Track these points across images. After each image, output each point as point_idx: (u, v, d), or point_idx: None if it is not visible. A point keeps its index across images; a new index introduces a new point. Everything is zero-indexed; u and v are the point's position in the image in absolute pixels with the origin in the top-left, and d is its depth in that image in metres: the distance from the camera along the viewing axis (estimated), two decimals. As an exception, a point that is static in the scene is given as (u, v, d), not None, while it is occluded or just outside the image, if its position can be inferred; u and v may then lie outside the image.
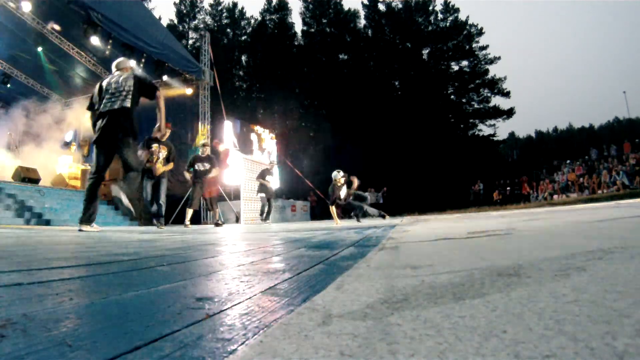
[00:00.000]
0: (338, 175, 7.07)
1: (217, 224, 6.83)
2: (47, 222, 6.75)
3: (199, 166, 6.64)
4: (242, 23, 31.69)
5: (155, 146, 5.62)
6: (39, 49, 9.74)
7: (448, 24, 29.11)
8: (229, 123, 11.54)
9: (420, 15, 29.14)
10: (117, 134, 3.54)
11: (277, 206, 12.63)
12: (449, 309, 0.55)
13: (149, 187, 5.66)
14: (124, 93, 3.61)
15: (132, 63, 5.02)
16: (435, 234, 2.29)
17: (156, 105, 3.80)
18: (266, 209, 8.55)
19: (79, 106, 11.88)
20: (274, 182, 11.63)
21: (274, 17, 30.90)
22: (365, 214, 7.16)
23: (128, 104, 3.59)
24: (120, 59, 4.17)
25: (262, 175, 8.62)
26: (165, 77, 10.88)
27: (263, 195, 8.55)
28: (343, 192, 7.16)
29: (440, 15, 29.42)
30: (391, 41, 28.93)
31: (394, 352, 0.40)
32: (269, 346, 0.44)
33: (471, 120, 28.75)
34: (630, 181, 13.53)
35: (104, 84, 3.75)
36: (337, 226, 5.02)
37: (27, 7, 7.85)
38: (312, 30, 30.43)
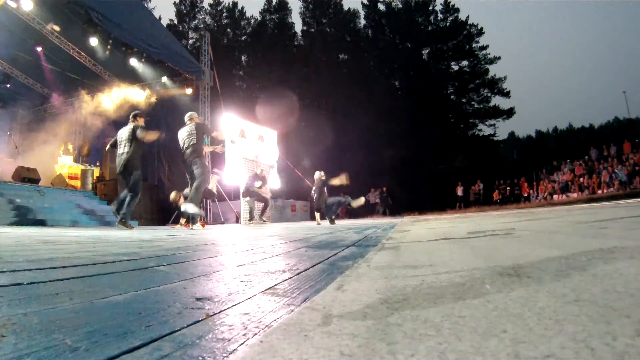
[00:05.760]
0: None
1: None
2: (45, 222, 6.73)
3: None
4: (242, 23, 31.63)
5: None
6: (39, 48, 9.74)
7: (448, 24, 29.07)
8: (228, 122, 11.52)
9: (420, 15, 29.09)
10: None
11: (278, 206, 12.62)
12: (449, 309, 0.55)
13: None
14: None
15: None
16: (435, 234, 2.29)
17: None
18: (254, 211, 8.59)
19: (79, 106, 11.86)
20: (274, 180, 11.72)
21: (274, 17, 30.85)
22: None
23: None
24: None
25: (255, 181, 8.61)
26: (165, 77, 10.88)
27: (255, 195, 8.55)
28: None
29: (440, 15, 29.38)
30: (391, 41, 28.89)
31: (394, 352, 0.40)
32: (269, 346, 0.44)
33: (471, 120, 28.71)
34: (629, 180, 13.51)
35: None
36: (336, 226, 5.03)
37: (27, 7, 7.84)
38: (312, 30, 30.39)
